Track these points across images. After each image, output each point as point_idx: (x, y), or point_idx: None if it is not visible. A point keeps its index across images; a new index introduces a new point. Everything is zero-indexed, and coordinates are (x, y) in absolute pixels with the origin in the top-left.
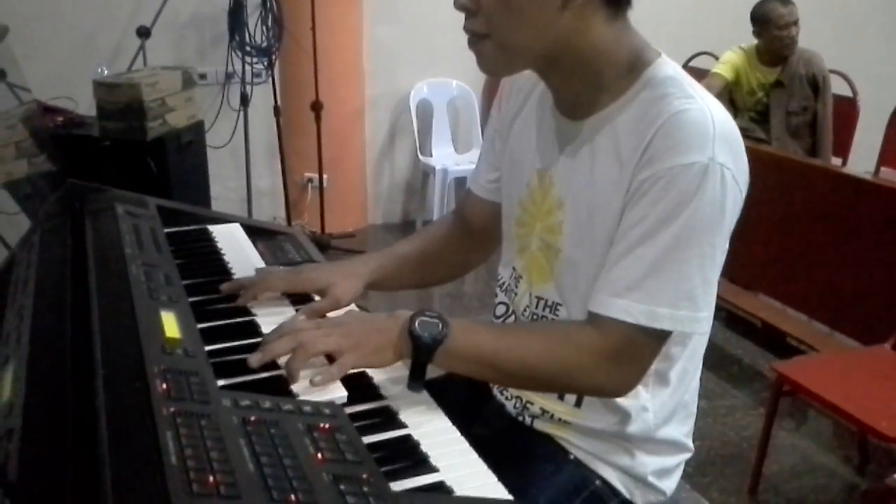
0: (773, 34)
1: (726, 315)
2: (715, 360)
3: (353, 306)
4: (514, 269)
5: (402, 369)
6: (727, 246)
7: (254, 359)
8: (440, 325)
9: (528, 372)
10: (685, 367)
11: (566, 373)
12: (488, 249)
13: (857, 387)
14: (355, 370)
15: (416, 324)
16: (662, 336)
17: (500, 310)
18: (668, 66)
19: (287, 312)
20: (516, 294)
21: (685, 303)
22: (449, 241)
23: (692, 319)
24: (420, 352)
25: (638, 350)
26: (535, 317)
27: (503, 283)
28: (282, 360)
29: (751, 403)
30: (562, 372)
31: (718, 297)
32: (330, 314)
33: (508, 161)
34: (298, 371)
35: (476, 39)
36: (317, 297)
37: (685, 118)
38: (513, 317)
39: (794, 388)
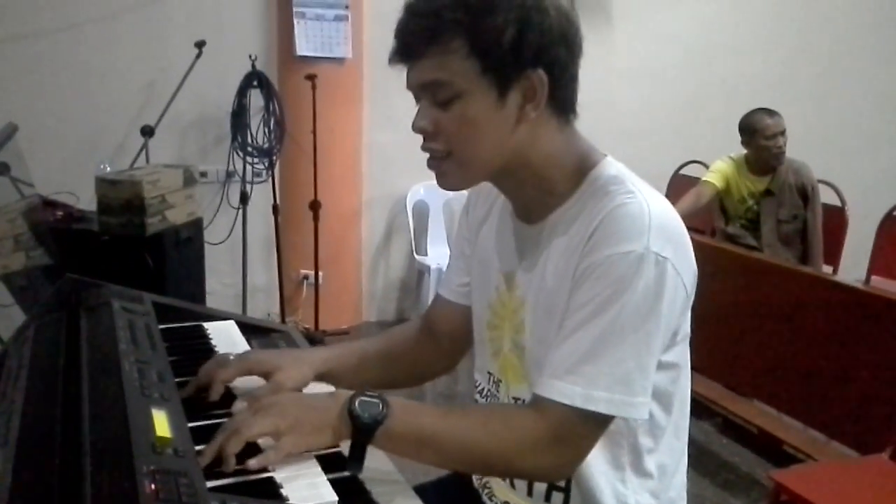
0: (760, 144)
1: (722, 421)
2: (711, 467)
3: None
4: (489, 373)
5: (395, 474)
6: (686, 333)
7: (201, 460)
8: (381, 406)
9: (468, 454)
10: (663, 462)
11: (504, 454)
12: (452, 358)
13: (857, 497)
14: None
15: (356, 403)
16: (600, 420)
17: None
18: (612, 167)
19: None
20: (498, 398)
21: (620, 387)
22: (413, 345)
23: (627, 404)
24: (359, 432)
25: (575, 432)
26: None
27: (482, 389)
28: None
29: None
30: (500, 453)
31: (714, 402)
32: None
33: (477, 265)
34: (231, 456)
35: (437, 159)
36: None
37: (623, 211)
38: None
39: (792, 499)
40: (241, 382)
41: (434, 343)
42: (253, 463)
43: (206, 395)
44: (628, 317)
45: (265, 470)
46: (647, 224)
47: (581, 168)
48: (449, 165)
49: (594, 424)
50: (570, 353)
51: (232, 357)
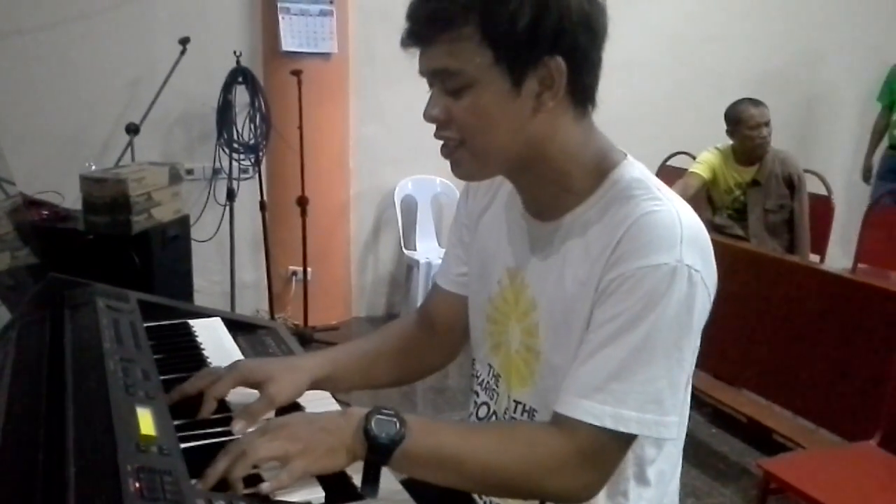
0: (744, 134)
1: (711, 411)
2: (701, 456)
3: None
4: (490, 366)
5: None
6: (697, 347)
7: (203, 484)
8: (398, 425)
9: (491, 476)
10: (662, 469)
11: (530, 476)
12: (451, 352)
13: (845, 484)
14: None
15: (373, 423)
16: (628, 440)
17: (483, 411)
18: (635, 168)
19: None
20: (497, 394)
21: (652, 406)
22: (409, 341)
23: (659, 423)
24: (376, 453)
25: (603, 453)
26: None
27: (482, 381)
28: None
29: (738, 501)
30: (526, 475)
31: (703, 392)
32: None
33: (476, 256)
34: (238, 480)
35: (450, 147)
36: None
37: (653, 220)
38: (494, 417)
39: (781, 486)
40: (234, 393)
41: (432, 336)
42: (265, 487)
43: (195, 407)
44: (661, 333)
45: (255, 467)
46: (679, 235)
47: (601, 167)
48: (462, 154)
49: (623, 444)
50: (597, 371)
51: (221, 369)
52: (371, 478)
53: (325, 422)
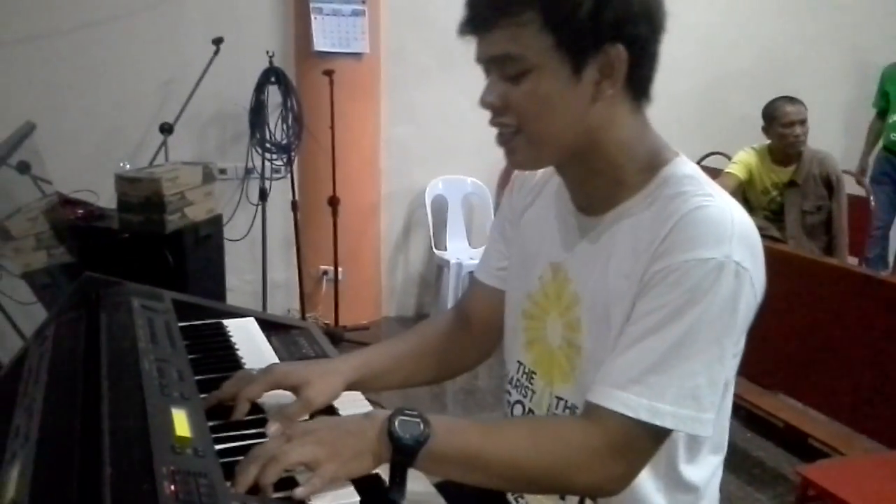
0: (777, 131)
1: (746, 415)
2: (737, 461)
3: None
4: (519, 363)
5: (416, 471)
6: (740, 348)
7: (234, 488)
8: (421, 425)
9: (519, 472)
10: (699, 475)
11: (558, 471)
12: (487, 349)
13: (887, 492)
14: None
15: (396, 424)
16: (662, 434)
17: (518, 410)
18: (687, 166)
19: None
20: (534, 392)
21: (689, 402)
22: (445, 339)
23: (695, 420)
24: (401, 455)
25: (635, 446)
26: None
27: (512, 379)
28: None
29: None
30: (553, 470)
31: (738, 396)
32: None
33: (518, 251)
34: (270, 486)
35: (507, 135)
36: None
37: (704, 214)
38: (531, 415)
39: (820, 494)
40: (269, 396)
41: (468, 333)
42: (300, 492)
43: (228, 408)
44: (703, 328)
45: (288, 470)
46: (730, 231)
47: (653, 162)
48: (519, 142)
49: (655, 438)
50: (636, 362)
51: (256, 372)
52: (397, 480)
53: (350, 425)
